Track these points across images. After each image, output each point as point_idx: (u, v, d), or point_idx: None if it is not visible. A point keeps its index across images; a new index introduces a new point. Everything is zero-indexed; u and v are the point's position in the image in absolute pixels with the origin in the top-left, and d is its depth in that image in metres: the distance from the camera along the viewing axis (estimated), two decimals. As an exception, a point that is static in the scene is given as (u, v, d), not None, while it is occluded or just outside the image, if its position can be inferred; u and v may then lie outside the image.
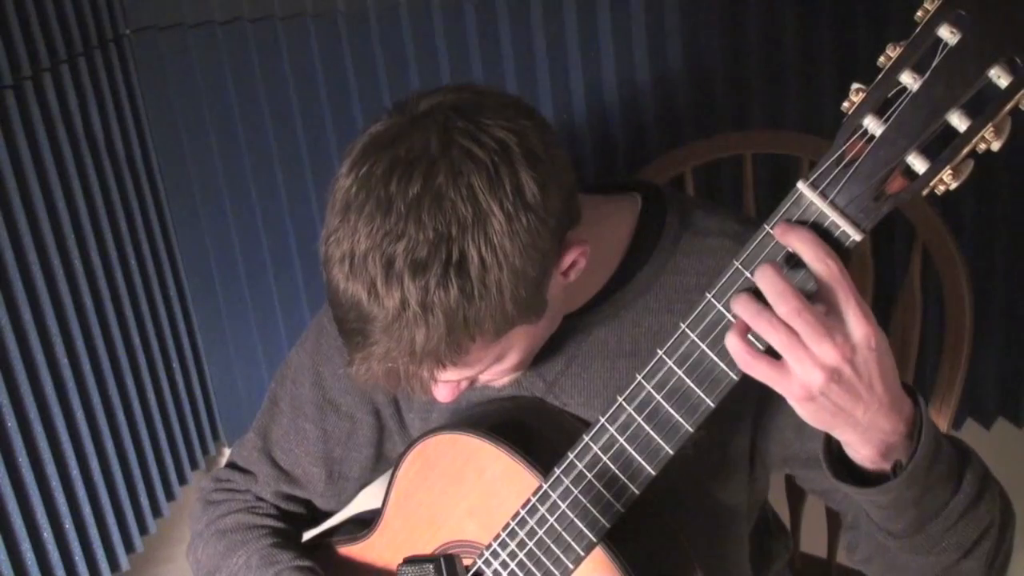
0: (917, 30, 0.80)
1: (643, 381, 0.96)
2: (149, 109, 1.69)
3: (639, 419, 0.97)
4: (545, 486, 1.03)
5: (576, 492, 1.02)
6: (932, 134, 0.81)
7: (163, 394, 1.75)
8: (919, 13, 0.80)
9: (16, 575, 1.45)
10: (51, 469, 1.49)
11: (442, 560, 0.95)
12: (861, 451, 0.91)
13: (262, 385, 1.82)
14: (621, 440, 0.99)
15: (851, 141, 0.83)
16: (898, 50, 0.81)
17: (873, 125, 0.82)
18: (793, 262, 0.86)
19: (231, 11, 1.60)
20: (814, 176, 0.85)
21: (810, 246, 0.84)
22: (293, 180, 1.70)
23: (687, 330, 0.92)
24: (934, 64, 0.79)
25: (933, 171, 0.81)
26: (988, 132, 0.79)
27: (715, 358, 0.92)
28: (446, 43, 1.58)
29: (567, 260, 1.00)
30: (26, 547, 1.45)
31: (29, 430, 1.46)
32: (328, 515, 1.34)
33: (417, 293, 0.91)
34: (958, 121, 0.80)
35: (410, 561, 0.95)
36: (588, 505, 1.01)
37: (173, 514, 1.80)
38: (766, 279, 0.85)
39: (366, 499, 1.31)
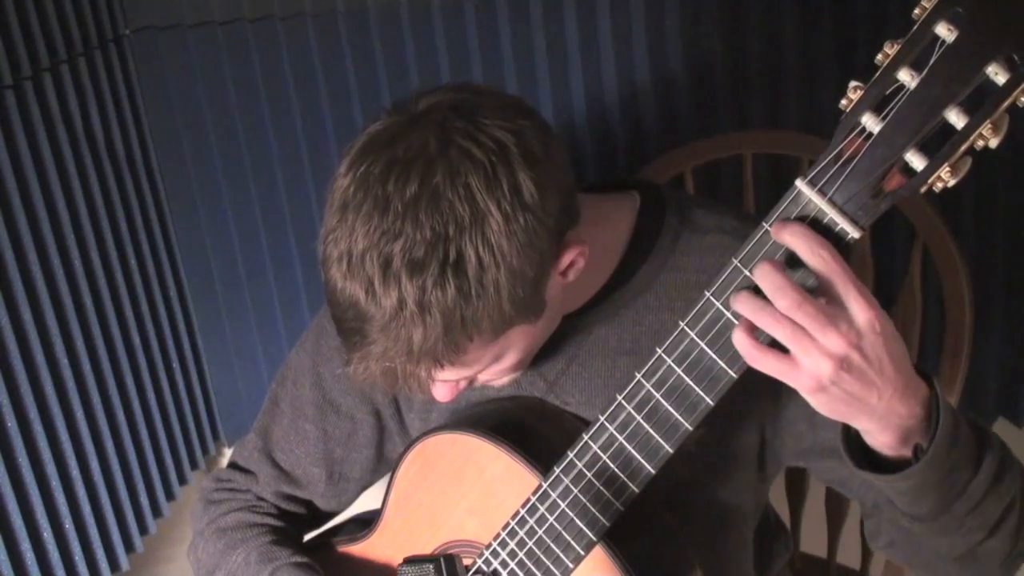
0: (914, 27, 0.80)
1: (642, 379, 0.96)
2: (149, 109, 1.69)
3: (638, 417, 0.97)
4: (545, 485, 1.03)
5: (576, 491, 1.01)
6: (930, 131, 0.81)
7: (163, 394, 1.75)
8: (916, 11, 0.80)
9: (16, 575, 1.45)
10: (51, 469, 1.49)
11: (442, 560, 0.95)
12: (880, 438, 0.91)
13: (262, 385, 1.82)
14: (620, 439, 0.99)
15: (849, 139, 0.83)
16: (896, 47, 0.81)
17: (871, 123, 0.82)
18: (793, 261, 0.86)
19: (231, 11, 1.61)
20: (812, 174, 0.85)
21: (802, 239, 0.84)
22: (293, 180, 1.70)
23: (686, 328, 0.92)
24: (932, 61, 0.79)
25: (931, 168, 0.81)
26: (986, 129, 0.79)
27: (714, 356, 0.92)
28: (446, 43, 1.58)
29: (566, 260, 0.99)
30: (26, 547, 1.46)
31: (29, 430, 1.46)
32: (329, 516, 1.34)
33: (414, 293, 0.91)
34: (956, 118, 0.80)
35: (410, 561, 0.96)
36: (588, 504, 1.01)
37: (173, 514, 1.80)
38: (764, 275, 0.85)
39: (367, 500, 1.31)
